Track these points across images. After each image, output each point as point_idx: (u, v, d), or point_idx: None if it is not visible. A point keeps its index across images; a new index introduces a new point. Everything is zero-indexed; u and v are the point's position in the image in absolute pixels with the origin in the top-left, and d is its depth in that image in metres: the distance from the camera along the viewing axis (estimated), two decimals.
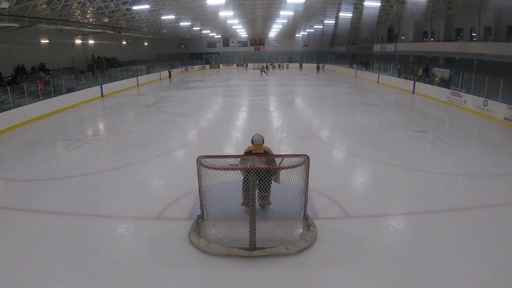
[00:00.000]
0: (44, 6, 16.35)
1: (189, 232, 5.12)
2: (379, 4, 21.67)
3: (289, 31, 44.25)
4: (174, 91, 24.22)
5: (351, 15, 27.29)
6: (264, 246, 4.70)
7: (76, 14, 19.98)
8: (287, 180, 4.85)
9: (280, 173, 4.96)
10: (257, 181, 4.83)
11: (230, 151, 9.45)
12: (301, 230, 5.12)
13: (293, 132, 11.76)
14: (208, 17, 29.69)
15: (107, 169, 8.16)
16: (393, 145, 10.20)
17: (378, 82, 27.03)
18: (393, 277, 4.27)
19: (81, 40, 26.73)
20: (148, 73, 31.15)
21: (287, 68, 45.15)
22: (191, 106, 17.34)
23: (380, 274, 4.32)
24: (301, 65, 43.81)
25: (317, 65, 40.04)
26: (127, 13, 23.17)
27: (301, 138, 10.82)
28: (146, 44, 41.88)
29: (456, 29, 22.09)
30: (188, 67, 43.95)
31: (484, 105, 14.17)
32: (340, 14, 27.42)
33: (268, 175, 4.83)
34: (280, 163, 5.03)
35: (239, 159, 5.30)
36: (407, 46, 26.85)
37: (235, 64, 47.17)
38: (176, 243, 4.99)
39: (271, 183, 5.31)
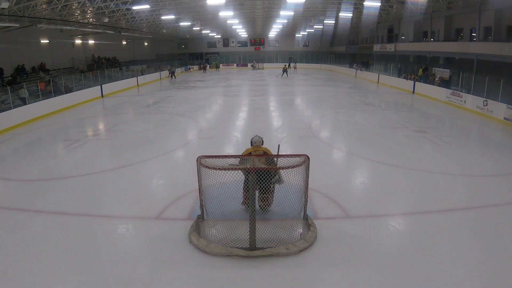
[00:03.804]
0: (44, 6, 16.34)
1: (189, 232, 5.12)
2: (379, 4, 21.68)
3: (289, 31, 44.18)
4: (174, 91, 24.22)
5: (351, 15, 27.28)
6: (264, 246, 4.70)
7: (76, 14, 19.98)
8: (287, 180, 4.85)
9: (281, 173, 4.96)
10: (258, 182, 4.82)
11: (230, 151, 9.45)
12: (301, 230, 5.11)
13: (293, 132, 11.76)
14: (208, 17, 29.68)
15: (107, 169, 8.16)
16: (393, 145, 10.19)
17: (378, 82, 27.03)
18: (393, 277, 4.27)
19: (81, 40, 26.72)
20: (143, 73, 29.78)
21: (263, 68, 44.21)
22: (191, 106, 17.33)
23: (380, 274, 4.32)
24: (294, 67, 39.11)
25: (284, 66, 34.43)
26: (127, 13, 23.17)
27: (301, 138, 10.82)
28: (146, 44, 41.86)
29: (456, 29, 22.10)
30: (189, 67, 43.95)
31: (484, 105, 14.17)
32: (340, 14, 27.41)
33: (268, 176, 4.82)
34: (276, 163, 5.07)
35: (239, 160, 5.30)
36: (407, 46, 26.85)
37: (235, 64, 47.15)
38: (176, 243, 4.99)
39: (272, 185, 5.30)
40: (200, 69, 43.44)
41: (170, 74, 33.29)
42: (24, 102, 14.19)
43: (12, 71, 18.39)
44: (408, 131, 11.65)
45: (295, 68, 38.56)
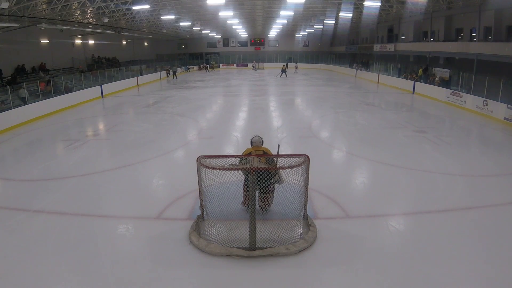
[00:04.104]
0: (44, 6, 16.33)
1: (189, 232, 5.12)
2: (379, 4, 21.68)
3: (289, 31, 44.20)
4: (174, 91, 24.22)
5: (351, 15, 27.28)
6: (264, 246, 4.70)
7: (76, 14, 19.97)
8: (287, 180, 4.85)
9: (281, 173, 4.95)
10: (258, 182, 4.82)
11: (230, 151, 9.45)
12: (301, 230, 5.11)
13: (293, 132, 11.75)
14: (208, 17, 29.67)
15: (107, 169, 8.16)
16: (393, 145, 10.19)
17: (378, 82, 27.03)
18: (393, 277, 4.27)
19: (81, 40, 26.71)
20: (141, 74, 29.51)
21: (263, 68, 43.92)
22: (191, 106, 17.33)
23: (380, 274, 4.31)
24: (295, 67, 38.20)
25: (283, 66, 33.99)
26: (127, 13, 23.16)
27: (301, 138, 10.82)
28: (146, 44, 41.85)
29: (456, 29, 22.10)
30: (188, 67, 43.98)
31: (484, 105, 14.17)
32: (340, 14, 27.41)
33: (268, 176, 4.82)
34: (276, 163, 5.07)
35: (239, 160, 5.30)
36: (407, 46, 26.86)
37: (235, 64, 47.20)
38: (176, 243, 4.99)
39: (272, 185, 5.30)
40: (200, 69, 43.48)
41: (172, 74, 33.27)
42: (24, 102, 14.21)
43: (12, 71, 18.38)
44: (408, 131, 11.65)
45: (296, 68, 38.21)
